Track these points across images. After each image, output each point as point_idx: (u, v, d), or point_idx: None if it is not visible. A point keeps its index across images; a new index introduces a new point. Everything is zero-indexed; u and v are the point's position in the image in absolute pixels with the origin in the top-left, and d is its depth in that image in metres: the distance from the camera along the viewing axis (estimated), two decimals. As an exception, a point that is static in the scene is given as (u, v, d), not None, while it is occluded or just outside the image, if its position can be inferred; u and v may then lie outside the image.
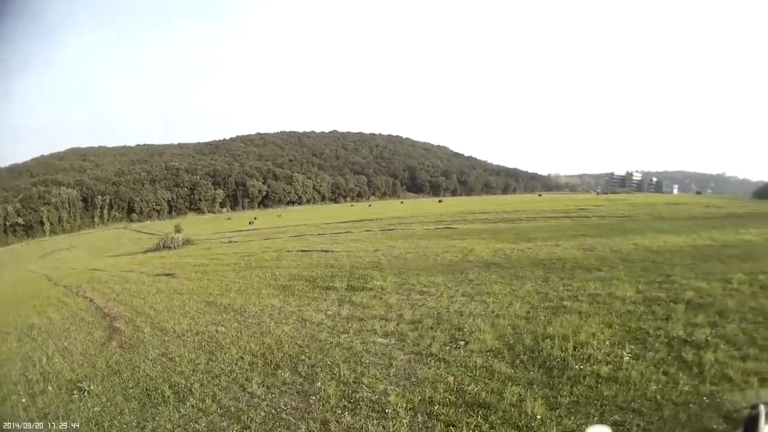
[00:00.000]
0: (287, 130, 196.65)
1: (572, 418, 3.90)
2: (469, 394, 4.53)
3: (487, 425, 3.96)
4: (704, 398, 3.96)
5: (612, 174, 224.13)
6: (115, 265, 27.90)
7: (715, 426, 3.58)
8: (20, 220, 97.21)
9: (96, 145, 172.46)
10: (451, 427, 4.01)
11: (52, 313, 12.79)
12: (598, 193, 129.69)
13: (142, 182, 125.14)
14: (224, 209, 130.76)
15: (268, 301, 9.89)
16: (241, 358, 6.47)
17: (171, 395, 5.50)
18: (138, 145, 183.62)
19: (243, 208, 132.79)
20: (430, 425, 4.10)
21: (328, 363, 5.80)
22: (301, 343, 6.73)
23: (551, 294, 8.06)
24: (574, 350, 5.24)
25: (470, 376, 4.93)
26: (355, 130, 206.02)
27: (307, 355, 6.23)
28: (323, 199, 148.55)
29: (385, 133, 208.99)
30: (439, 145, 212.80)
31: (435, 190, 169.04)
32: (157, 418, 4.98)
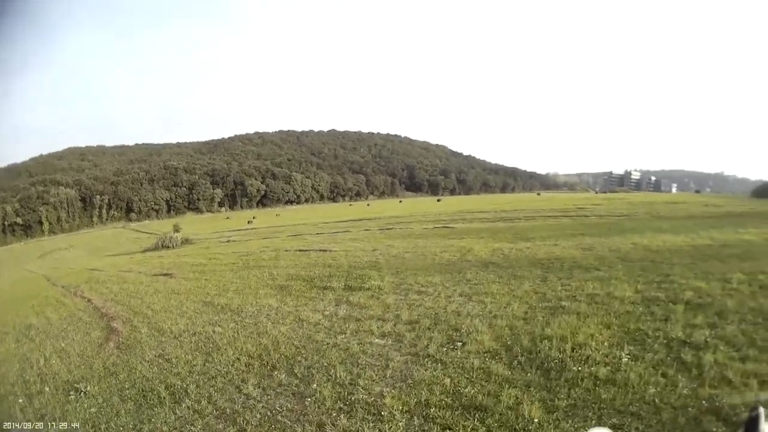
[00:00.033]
0: (286, 129, 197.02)
1: (570, 421, 3.86)
2: (466, 396, 4.49)
3: (484, 428, 3.92)
4: (703, 401, 3.91)
5: (611, 173, 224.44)
6: (113, 264, 27.84)
7: (714, 429, 3.54)
8: (19, 220, 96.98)
9: (94, 144, 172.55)
10: (448, 431, 3.97)
11: (50, 313, 12.73)
12: (597, 192, 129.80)
13: (140, 182, 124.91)
14: (223, 208, 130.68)
15: (266, 301, 9.85)
16: (238, 359, 6.43)
17: (167, 397, 5.46)
18: (136, 145, 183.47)
19: (242, 207, 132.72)
20: (426, 428, 4.05)
21: (325, 364, 5.76)
22: (298, 344, 6.69)
23: (549, 294, 8.03)
24: (572, 352, 5.20)
25: (467, 378, 4.88)
26: (353, 129, 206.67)
27: (304, 356, 6.19)
28: (322, 198, 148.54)
29: (384, 132, 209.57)
30: (437, 144, 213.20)
31: (433, 189, 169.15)
32: (152, 419, 4.94)
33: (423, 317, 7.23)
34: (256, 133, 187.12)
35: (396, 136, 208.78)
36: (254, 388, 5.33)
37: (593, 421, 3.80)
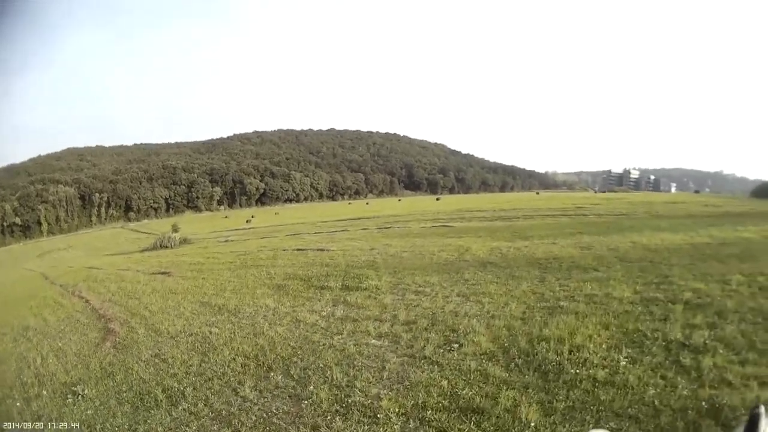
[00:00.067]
0: (284, 128, 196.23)
1: (568, 424, 3.82)
2: (463, 398, 4.45)
3: None
4: (702, 403, 3.88)
5: (609, 171, 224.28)
6: (111, 263, 27.77)
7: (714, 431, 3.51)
8: (18, 220, 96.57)
9: (93, 145, 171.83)
10: (444, 434, 3.93)
11: (48, 314, 12.69)
12: (596, 192, 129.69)
13: (139, 180, 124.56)
14: (222, 207, 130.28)
15: (263, 302, 9.80)
16: (234, 360, 6.39)
17: (163, 398, 5.44)
18: (135, 145, 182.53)
19: (240, 206, 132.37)
20: (422, 431, 4.02)
21: (321, 366, 5.72)
22: (294, 345, 6.65)
23: (547, 294, 7.98)
24: (570, 353, 5.16)
25: (464, 380, 4.84)
26: (352, 128, 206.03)
27: (300, 357, 6.15)
28: (321, 196, 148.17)
29: (383, 131, 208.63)
30: (436, 143, 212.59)
31: (432, 188, 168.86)
32: (148, 421, 4.92)
33: (420, 318, 7.19)
34: (255, 133, 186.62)
35: (395, 134, 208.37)
36: (251, 390, 5.30)
37: (591, 424, 3.77)
